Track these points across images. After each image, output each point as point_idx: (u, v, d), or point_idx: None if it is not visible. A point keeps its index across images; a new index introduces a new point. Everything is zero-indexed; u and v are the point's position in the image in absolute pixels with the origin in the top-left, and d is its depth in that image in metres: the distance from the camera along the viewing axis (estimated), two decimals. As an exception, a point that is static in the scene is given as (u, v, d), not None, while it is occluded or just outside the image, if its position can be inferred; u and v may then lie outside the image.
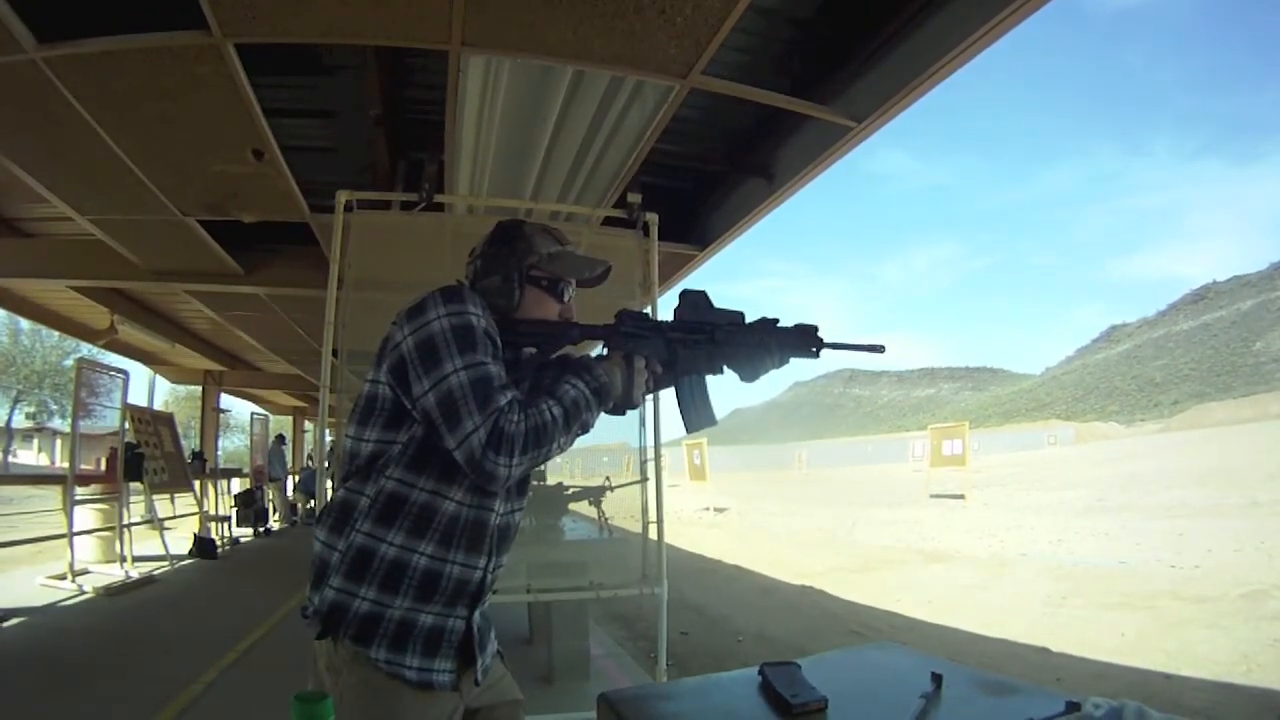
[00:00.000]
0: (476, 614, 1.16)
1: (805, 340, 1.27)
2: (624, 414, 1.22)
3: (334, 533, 1.10)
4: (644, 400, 1.23)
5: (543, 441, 1.04)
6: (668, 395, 1.30)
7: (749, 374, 1.25)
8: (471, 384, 1.01)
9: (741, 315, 1.26)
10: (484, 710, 1.21)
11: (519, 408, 1.04)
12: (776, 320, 1.27)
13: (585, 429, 1.13)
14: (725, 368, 1.26)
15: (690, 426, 1.27)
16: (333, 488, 1.25)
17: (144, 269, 5.36)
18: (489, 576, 1.17)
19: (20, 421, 29.56)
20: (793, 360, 1.27)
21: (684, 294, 1.25)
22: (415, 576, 1.07)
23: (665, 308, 3.86)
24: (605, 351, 1.23)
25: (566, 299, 1.26)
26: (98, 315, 7.25)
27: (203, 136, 3.34)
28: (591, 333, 1.22)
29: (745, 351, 1.25)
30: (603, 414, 1.18)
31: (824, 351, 1.28)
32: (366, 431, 1.11)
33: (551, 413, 1.06)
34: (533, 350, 1.26)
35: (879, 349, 1.32)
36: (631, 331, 1.21)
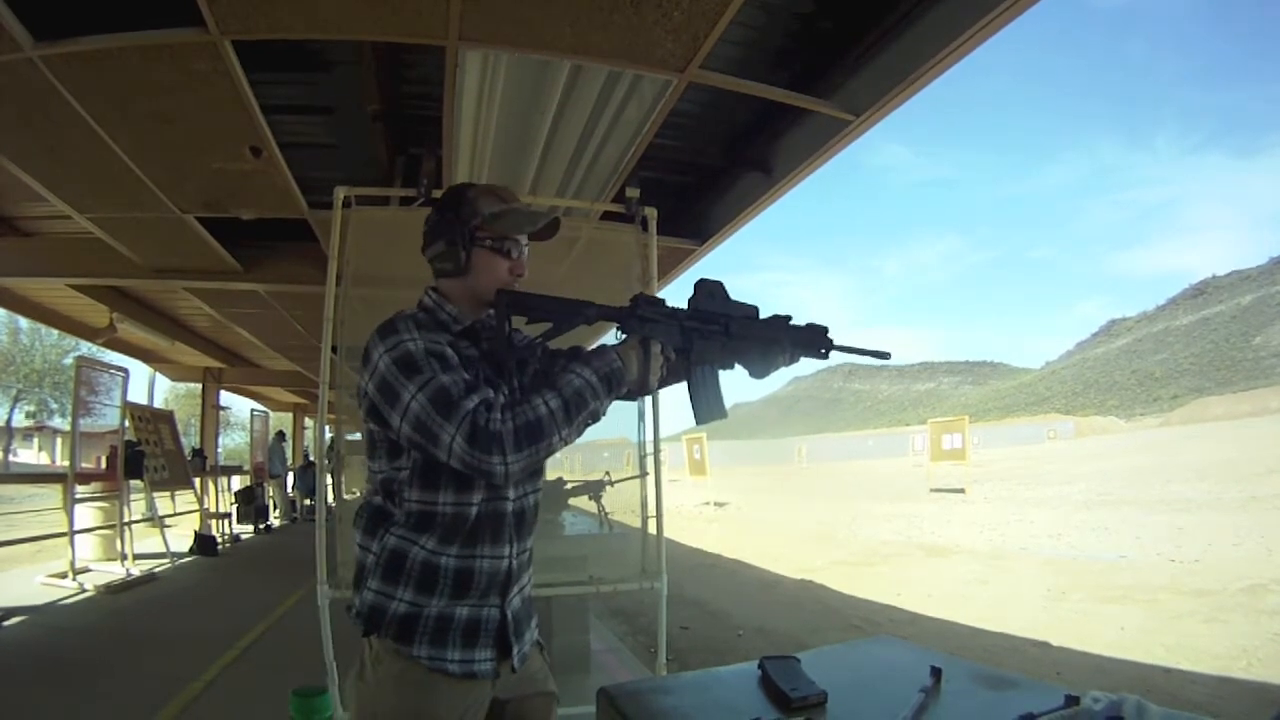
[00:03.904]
0: (512, 601, 1.19)
1: (816, 340, 1.26)
2: (636, 399, 1.23)
3: (368, 535, 1.16)
4: (658, 387, 1.21)
5: (537, 436, 1.04)
6: (667, 390, 1.30)
7: (760, 370, 1.23)
8: (430, 400, 1.04)
9: (756, 310, 1.24)
10: (515, 701, 1.22)
11: (499, 406, 1.05)
12: (789, 318, 1.24)
13: (595, 417, 1.12)
14: (736, 363, 1.24)
15: (701, 418, 1.25)
16: (330, 484, 1.27)
17: (143, 267, 5.34)
18: (514, 563, 1.20)
19: (20, 420, 29.54)
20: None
21: (700, 283, 1.22)
22: (449, 577, 1.12)
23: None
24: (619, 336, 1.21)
25: (515, 256, 1.23)
26: (97, 313, 7.23)
27: (200, 134, 3.32)
28: (607, 313, 1.20)
29: (759, 346, 1.23)
30: (613, 402, 1.17)
31: (830, 353, 1.28)
32: (375, 464, 1.18)
33: (548, 405, 1.06)
34: (522, 335, 1.27)
35: (884, 355, 1.31)
36: (647, 315, 1.19)
